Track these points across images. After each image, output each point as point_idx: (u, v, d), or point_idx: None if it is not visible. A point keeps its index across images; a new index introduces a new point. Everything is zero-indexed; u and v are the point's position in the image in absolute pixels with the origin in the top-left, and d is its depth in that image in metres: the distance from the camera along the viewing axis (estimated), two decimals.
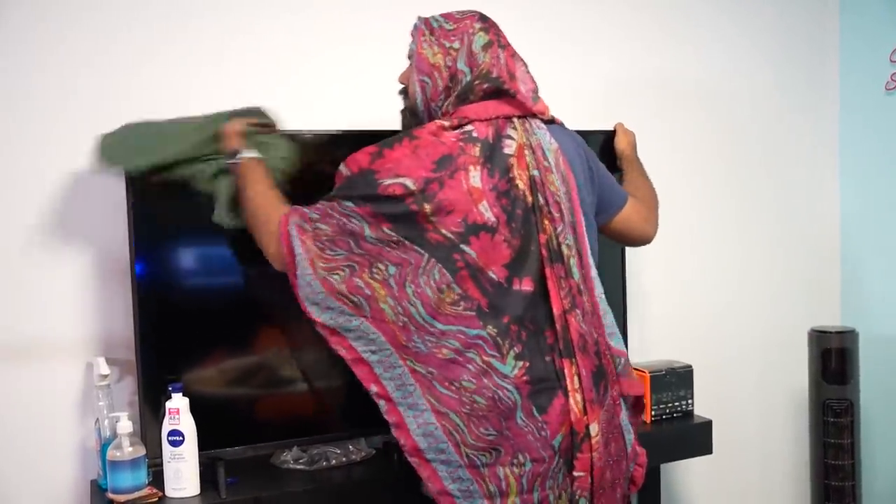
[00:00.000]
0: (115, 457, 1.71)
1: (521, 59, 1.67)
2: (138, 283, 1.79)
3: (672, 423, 2.28)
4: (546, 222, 1.55)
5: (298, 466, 1.88)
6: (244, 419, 1.94)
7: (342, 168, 1.59)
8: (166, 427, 1.73)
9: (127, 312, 1.84)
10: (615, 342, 1.62)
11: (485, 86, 1.59)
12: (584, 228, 1.63)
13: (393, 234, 1.52)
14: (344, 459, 1.90)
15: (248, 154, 1.71)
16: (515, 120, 1.61)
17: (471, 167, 1.53)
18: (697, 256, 2.69)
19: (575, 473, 1.51)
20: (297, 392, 1.99)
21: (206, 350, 1.89)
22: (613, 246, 2.26)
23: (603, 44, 2.51)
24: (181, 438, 1.72)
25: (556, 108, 2.53)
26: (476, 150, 1.55)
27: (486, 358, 1.51)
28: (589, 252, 1.64)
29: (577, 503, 1.53)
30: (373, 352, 1.55)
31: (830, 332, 2.58)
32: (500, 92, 1.60)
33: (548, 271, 1.54)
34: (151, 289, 1.81)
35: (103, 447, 1.78)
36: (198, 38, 2.04)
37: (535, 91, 1.67)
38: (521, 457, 1.51)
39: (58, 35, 1.92)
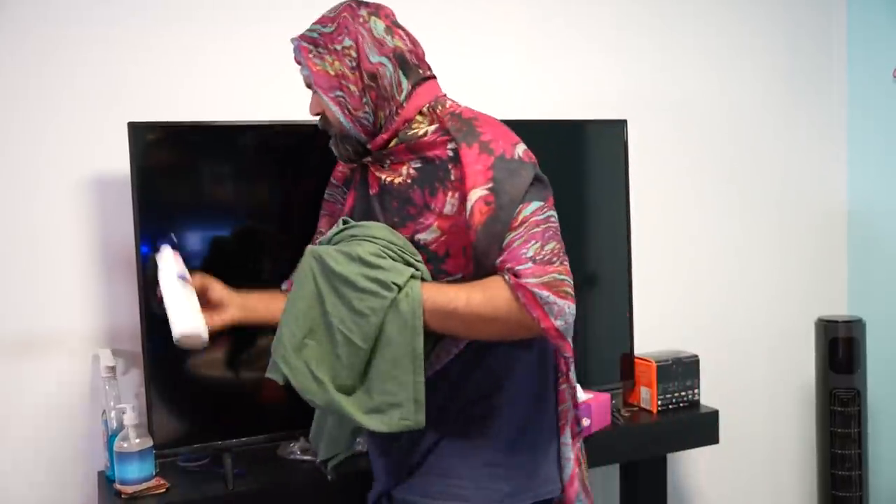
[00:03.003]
0: (123, 448, 1.71)
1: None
2: (144, 275, 1.78)
3: (678, 413, 2.27)
4: None
5: (305, 457, 1.88)
6: (251, 410, 1.94)
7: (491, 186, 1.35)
8: (174, 270, 1.58)
9: (133, 304, 1.84)
10: None
11: (425, 72, 1.46)
12: None
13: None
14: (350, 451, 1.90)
15: None
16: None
17: None
18: (704, 246, 2.68)
19: None
20: None
21: (212, 341, 1.89)
22: (620, 236, 2.26)
23: (607, 42, 2.49)
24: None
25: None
26: None
27: None
28: None
29: None
30: None
31: (837, 322, 2.57)
32: (427, 77, 1.47)
33: None
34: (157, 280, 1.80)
35: (110, 439, 1.79)
36: (202, 37, 2.04)
37: None
38: None
39: (60, 33, 1.91)
